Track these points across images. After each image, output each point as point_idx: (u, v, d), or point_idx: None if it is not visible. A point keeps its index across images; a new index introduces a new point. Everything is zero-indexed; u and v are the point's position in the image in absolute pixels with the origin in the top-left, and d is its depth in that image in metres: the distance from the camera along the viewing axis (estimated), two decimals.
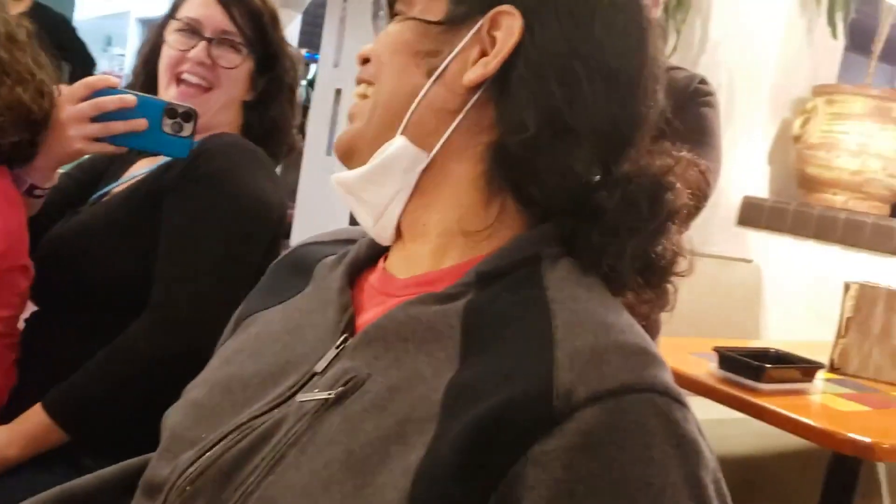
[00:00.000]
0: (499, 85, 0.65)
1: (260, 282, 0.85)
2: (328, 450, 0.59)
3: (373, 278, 0.73)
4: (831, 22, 2.83)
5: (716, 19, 3.12)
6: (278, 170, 1.40)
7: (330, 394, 0.62)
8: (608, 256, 0.65)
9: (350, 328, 0.69)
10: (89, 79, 1.20)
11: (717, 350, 1.84)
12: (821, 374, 1.88)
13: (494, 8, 0.66)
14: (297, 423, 0.62)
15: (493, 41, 0.66)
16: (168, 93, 1.31)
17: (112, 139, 1.18)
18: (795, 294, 2.86)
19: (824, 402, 1.77)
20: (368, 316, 0.69)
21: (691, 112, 1.62)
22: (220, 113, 1.34)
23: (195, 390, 0.74)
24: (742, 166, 3.00)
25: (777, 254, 2.92)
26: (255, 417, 0.65)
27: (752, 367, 1.75)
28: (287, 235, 1.27)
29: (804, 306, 2.83)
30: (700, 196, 1.57)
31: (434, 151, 0.67)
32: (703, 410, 2.42)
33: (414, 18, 0.68)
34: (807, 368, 1.85)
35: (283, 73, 1.38)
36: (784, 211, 2.89)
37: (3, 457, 1.13)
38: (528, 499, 0.53)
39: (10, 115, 1.12)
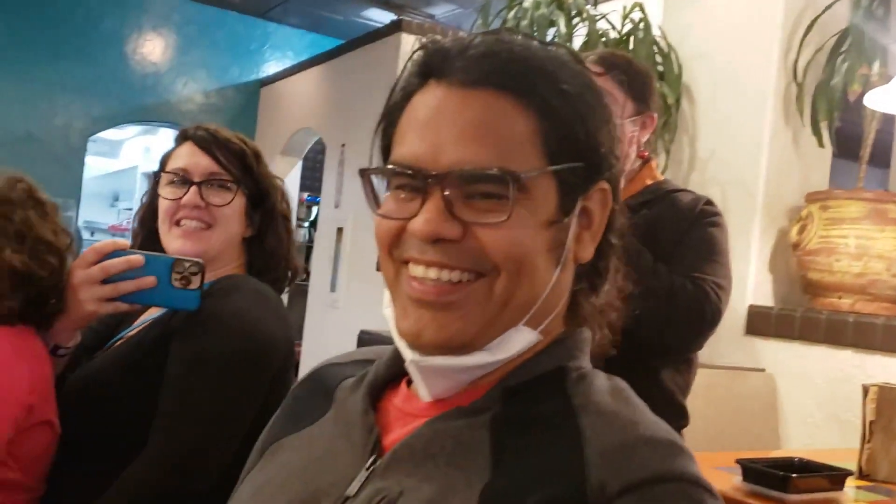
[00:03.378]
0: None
1: (281, 407, 0.85)
2: None
3: (397, 400, 0.73)
4: (816, 132, 2.92)
5: (702, 137, 3.22)
6: (284, 302, 1.43)
7: None
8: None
9: (377, 449, 0.68)
10: (97, 244, 1.26)
11: (741, 462, 1.80)
12: (850, 482, 1.83)
13: (593, 187, 0.68)
14: None
15: (588, 213, 0.69)
16: (170, 236, 1.36)
17: (123, 298, 1.23)
18: (811, 400, 2.81)
19: None
20: (395, 436, 0.69)
21: (698, 232, 1.64)
22: (224, 252, 1.39)
23: None
24: (744, 276, 3.02)
25: (788, 361, 2.89)
26: None
27: (777, 477, 1.71)
28: (296, 374, 1.29)
29: (822, 412, 2.78)
30: (713, 313, 1.56)
31: (542, 327, 0.69)
32: None
33: (549, 221, 0.65)
34: (835, 476, 1.80)
35: (275, 204, 1.44)
36: (791, 317, 2.89)
37: None
38: None
39: (7, 281, 1.17)
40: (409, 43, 4.88)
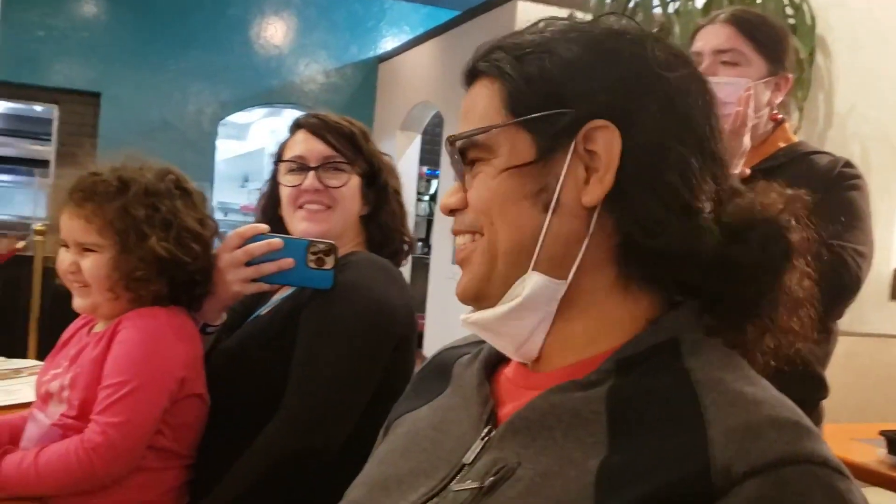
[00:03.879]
0: (614, 192, 0.66)
1: (406, 389, 0.89)
2: None
3: (508, 372, 0.75)
4: None
5: (840, 92, 3.05)
6: (407, 276, 1.48)
7: (483, 483, 0.64)
8: (745, 324, 0.68)
9: (492, 420, 0.71)
10: (240, 229, 1.35)
11: (885, 434, 1.73)
12: None
13: (583, 127, 0.67)
14: None
15: (593, 155, 0.67)
16: (295, 219, 1.44)
17: (265, 279, 1.33)
18: None
19: None
20: (509, 408, 0.71)
21: (837, 196, 1.55)
22: (345, 231, 1.46)
23: (353, 491, 0.77)
24: (888, 238, 2.86)
25: None
26: None
27: None
28: (420, 344, 1.34)
29: None
30: (853, 282, 1.48)
31: (570, 277, 0.68)
32: (874, 501, 2.25)
33: (509, 168, 0.69)
34: None
35: (387, 179, 1.50)
36: None
37: None
38: None
39: (151, 268, 1.26)
40: (524, 11, 4.84)
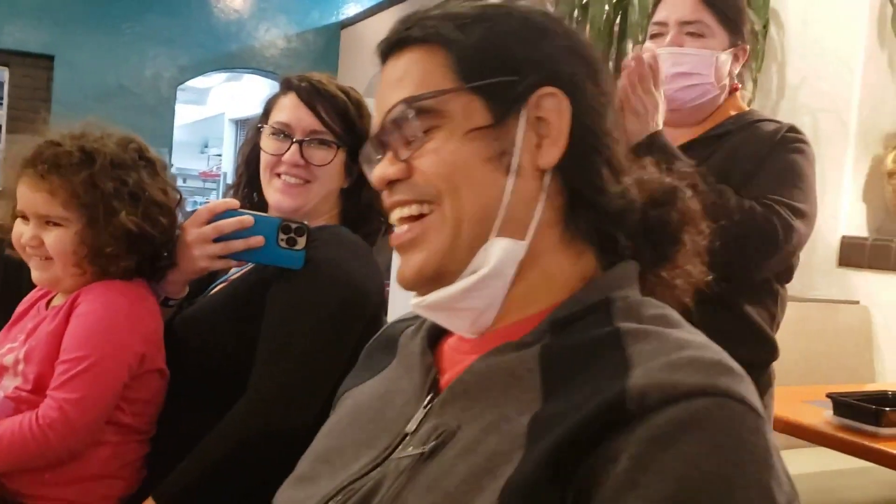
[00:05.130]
0: (564, 154, 0.71)
1: (356, 364, 0.90)
2: (427, 497, 0.63)
3: (451, 340, 0.77)
4: None
5: (792, 64, 3.11)
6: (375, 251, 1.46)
7: (424, 449, 0.66)
8: (663, 273, 0.76)
9: (435, 388, 0.73)
10: (210, 203, 1.32)
11: (831, 396, 1.79)
12: None
13: (533, 94, 0.70)
14: (397, 480, 0.66)
15: (542, 121, 0.70)
16: (270, 188, 1.40)
17: (233, 255, 1.30)
18: None
19: None
20: (450, 375, 0.73)
21: (778, 157, 1.58)
22: (321, 203, 1.40)
23: (300, 466, 0.79)
24: (837, 206, 2.94)
25: (883, 292, 2.82)
26: (356, 480, 0.70)
27: (870, 411, 1.70)
28: (386, 314, 1.34)
29: None
30: (785, 233, 1.50)
31: (529, 237, 0.70)
32: (820, 461, 2.35)
33: (471, 130, 0.70)
34: None
35: None
36: (886, 248, 2.81)
37: None
38: (598, 493, 0.55)
39: (121, 243, 1.23)
40: None
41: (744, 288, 1.57)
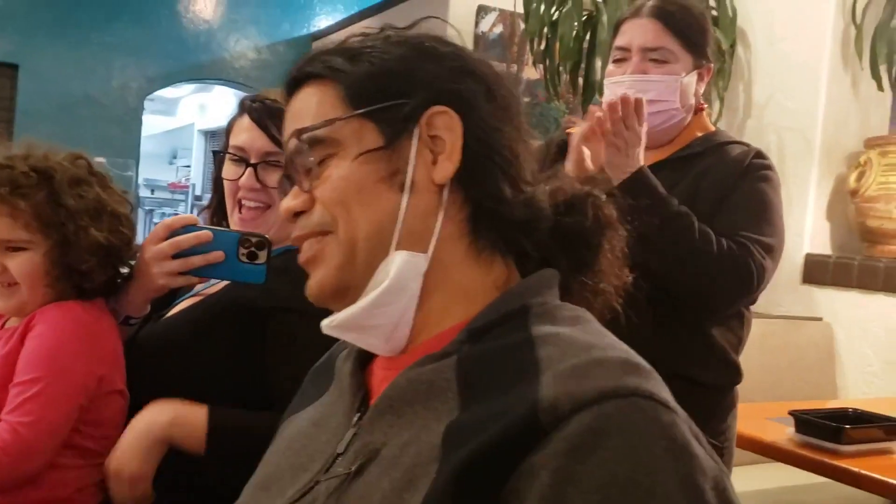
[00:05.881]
0: (460, 168, 0.72)
1: (300, 390, 0.90)
2: None
3: (380, 360, 0.78)
4: (875, 75, 2.83)
5: (758, 83, 3.15)
6: None
7: (350, 469, 0.67)
8: (583, 280, 0.77)
9: (364, 407, 0.73)
10: (167, 220, 1.29)
11: (794, 413, 1.81)
12: None
13: (423, 114, 0.72)
14: (326, 502, 0.67)
15: (436, 139, 0.73)
16: (233, 217, 1.39)
17: (193, 271, 1.27)
18: (869, 349, 2.78)
19: None
20: (378, 393, 0.73)
21: (747, 187, 1.59)
22: (284, 226, 1.38)
23: (242, 496, 0.80)
24: (801, 224, 2.97)
25: (846, 310, 2.86)
26: None
27: (830, 428, 1.72)
28: None
29: (879, 361, 2.75)
30: (759, 276, 1.52)
31: (431, 250, 0.72)
32: (783, 477, 2.36)
33: (362, 154, 0.72)
34: (889, 427, 1.80)
35: None
36: (849, 266, 2.85)
37: (153, 420, 1.21)
38: None
39: (95, 258, 1.22)
40: None
41: (712, 315, 1.58)
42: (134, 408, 1.28)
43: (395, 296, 0.71)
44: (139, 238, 1.32)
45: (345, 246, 0.72)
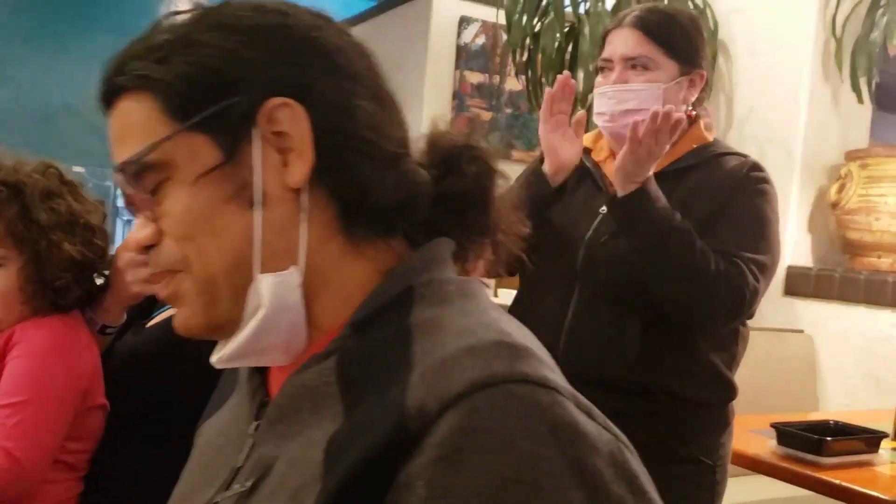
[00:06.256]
0: (317, 164, 0.63)
1: (211, 396, 0.84)
2: None
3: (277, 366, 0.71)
4: (855, 87, 2.85)
5: (739, 95, 3.17)
6: None
7: (245, 486, 0.61)
8: (477, 243, 0.69)
9: (262, 414, 0.66)
10: None
11: (775, 426, 1.81)
12: (886, 444, 1.83)
13: (259, 110, 0.62)
14: None
15: (282, 136, 0.62)
16: None
17: None
18: (850, 361, 2.79)
19: (893, 473, 1.71)
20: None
21: (744, 203, 1.56)
22: None
23: None
24: (782, 236, 2.98)
25: (827, 322, 2.87)
26: None
27: (811, 440, 1.71)
28: None
29: (860, 373, 2.76)
30: (751, 299, 1.50)
31: (302, 262, 0.63)
32: (765, 489, 2.35)
33: (201, 176, 0.62)
34: (870, 439, 1.80)
35: None
36: (830, 278, 2.86)
37: None
38: None
39: (70, 274, 1.20)
40: (440, 2, 4.83)
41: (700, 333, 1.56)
42: (112, 418, 1.27)
43: (277, 317, 0.63)
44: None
45: (202, 285, 0.63)
